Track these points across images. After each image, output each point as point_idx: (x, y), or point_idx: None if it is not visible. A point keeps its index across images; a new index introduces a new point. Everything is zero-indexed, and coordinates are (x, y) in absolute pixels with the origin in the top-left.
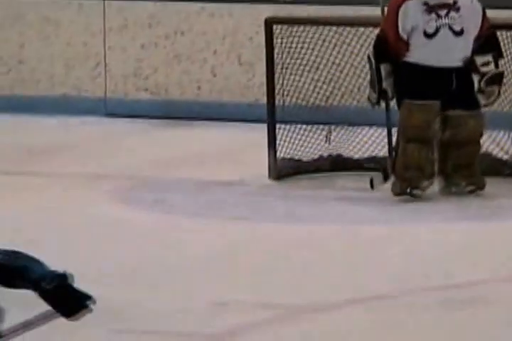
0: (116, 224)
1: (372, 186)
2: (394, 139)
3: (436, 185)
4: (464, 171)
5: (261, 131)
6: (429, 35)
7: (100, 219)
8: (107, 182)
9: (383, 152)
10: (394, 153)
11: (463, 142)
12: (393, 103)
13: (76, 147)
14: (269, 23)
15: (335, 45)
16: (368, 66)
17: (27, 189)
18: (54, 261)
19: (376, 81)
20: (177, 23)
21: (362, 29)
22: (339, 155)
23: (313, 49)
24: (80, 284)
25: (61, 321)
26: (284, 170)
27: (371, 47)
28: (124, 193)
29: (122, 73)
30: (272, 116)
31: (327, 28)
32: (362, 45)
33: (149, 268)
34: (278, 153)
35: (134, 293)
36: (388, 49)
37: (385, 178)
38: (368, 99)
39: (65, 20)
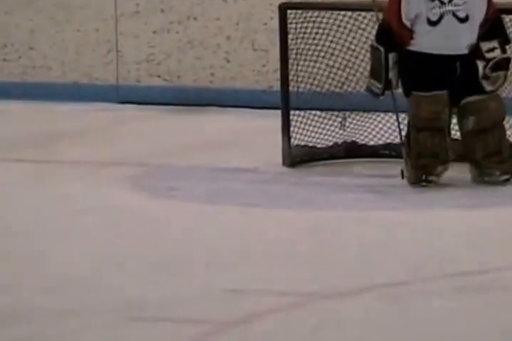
0: (128, 212)
1: (403, 176)
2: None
3: (451, 172)
4: (495, 158)
5: (275, 117)
6: (432, 23)
7: (112, 206)
8: (119, 170)
9: (398, 139)
10: (405, 142)
11: (487, 128)
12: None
13: (88, 134)
14: (284, 8)
15: (350, 30)
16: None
17: (38, 176)
18: (69, 249)
19: (384, 70)
20: (190, 8)
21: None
22: (354, 142)
23: (328, 34)
24: (96, 272)
25: (77, 309)
26: (298, 157)
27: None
28: (136, 180)
29: (134, 59)
30: (286, 103)
31: (342, 13)
32: None
33: (162, 255)
34: (292, 140)
35: (147, 280)
36: (393, 38)
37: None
38: (368, 89)
39: (76, 5)
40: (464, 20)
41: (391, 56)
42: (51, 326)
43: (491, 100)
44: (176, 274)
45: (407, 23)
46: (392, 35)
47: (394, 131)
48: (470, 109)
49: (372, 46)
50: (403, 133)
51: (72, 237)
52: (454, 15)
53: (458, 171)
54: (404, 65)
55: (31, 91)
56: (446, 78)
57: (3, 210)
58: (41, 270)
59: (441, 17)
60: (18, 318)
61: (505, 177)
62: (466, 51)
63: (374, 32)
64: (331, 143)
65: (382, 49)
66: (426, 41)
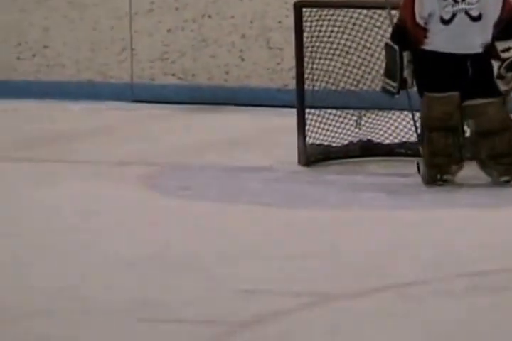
0: (142, 211)
1: (419, 171)
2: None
3: (466, 171)
4: (500, 160)
5: (290, 116)
6: (445, 21)
7: (124, 205)
8: (133, 169)
9: (414, 137)
10: (420, 140)
11: (491, 131)
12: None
13: (101, 133)
14: (299, 7)
15: (365, 28)
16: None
17: (52, 176)
18: (81, 249)
19: (398, 69)
20: (204, 6)
21: (393, 12)
22: (369, 141)
23: (343, 32)
24: (107, 271)
25: (90, 309)
26: (314, 155)
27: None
28: (150, 179)
29: (149, 58)
30: (301, 101)
31: (357, 11)
32: None
33: (174, 255)
34: (307, 139)
35: (159, 280)
36: (408, 37)
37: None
38: (383, 88)
39: (90, 4)
40: (476, 19)
41: (405, 54)
42: (65, 326)
43: (490, 106)
44: (188, 274)
45: (421, 22)
46: (406, 34)
47: (409, 129)
48: (469, 113)
49: (387, 44)
50: (419, 131)
51: (83, 236)
52: (467, 13)
53: (473, 170)
54: (418, 64)
55: (45, 89)
56: (459, 78)
57: (14, 209)
58: (52, 269)
59: (453, 16)
60: (31, 318)
61: (506, 178)
62: (479, 50)
63: (389, 30)
64: (346, 142)
65: (396, 47)
66: (439, 40)
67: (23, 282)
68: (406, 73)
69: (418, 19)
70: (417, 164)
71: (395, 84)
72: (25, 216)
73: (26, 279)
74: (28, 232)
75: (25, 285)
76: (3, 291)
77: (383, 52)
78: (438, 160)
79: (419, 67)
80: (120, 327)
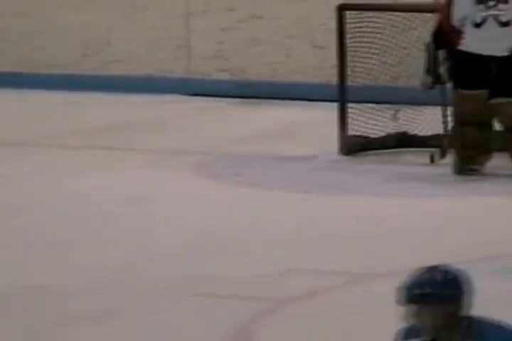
0: (198, 197)
1: (432, 161)
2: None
3: (494, 161)
4: None
5: (332, 110)
6: (476, 25)
7: (179, 192)
8: (187, 157)
9: (443, 130)
10: (450, 133)
11: None
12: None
13: (159, 124)
14: (341, 9)
15: (402, 29)
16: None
17: (112, 163)
18: (143, 230)
19: (434, 65)
20: (255, 8)
21: (428, 15)
22: (404, 133)
23: (381, 33)
24: (168, 250)
25: (147, 288)
26: (353, 146)
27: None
28: (205, 168)
29: (204, 55)
30: (342, 96)
31: (395, 13)
32: (428, 30)
33: (229, 236)
34: (348, 131)
35: (215, 259)
36: (444, 37)
37: (443, 154)
38: (422, 83)
39: (150, 5)
40: (505, 24)
41: (440, 52)
42: (126, 302)
43: (510, 105)
44: (241, 254)
45: (456, 24)
46: (443, 35)
47: (441, 123)
48: (494, 110)
49: (426, 43)
50: (449, 125)
51: (141, 219)
52: (497, 19)
53: (501, 160)
54: (452, 63)
55: (107, 83)
56: (486, 77)
57: (74, 195)
58: (114, 249)
59: (484, 20)
60: (95, 294)
61: None
62: (505, 53)
63: (424, 32)
64: (383, 134)
65: (433, 46)
66: (470, 41)
67: (87, 260)
68: (441, 69)
69: (454, 22)
70: (431, 155)
71: (430, 79)
72: (84, 200)
73: (86, 257)
74: (86, 214)
75: (86, 263)
76: (74, 268)
77: (418, 52)
78: (468, 152)
79: (454, 65)
80: (177, 302)
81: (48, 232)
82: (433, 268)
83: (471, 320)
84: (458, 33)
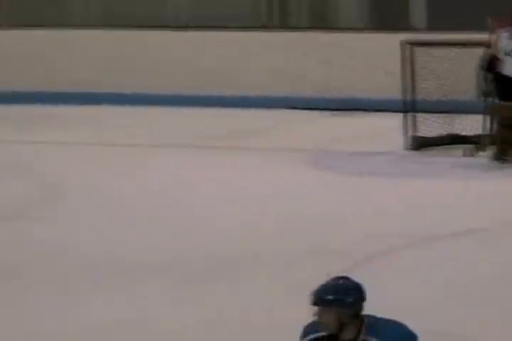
0: (291, 182)
1: (464, 154)
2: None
3: None
4: None
5: (400, 118)
6: (509, 55)
7: (286, 182)
8: (296, 155)
9: (485, 132)
10: (491, 132)
11: None
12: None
13: (270, 131)
14: (405, 45)
15: (462, 61)
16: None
17: (223, 163)
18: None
19: (484, 85)
20: (331, 50)
21: (477, 50)
22: (456, 134)
23: (444, 62)
24: (245, 226)
25: (195, 272)
26: (417, 143)
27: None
28: (305, 162)
29: None
30: (407, 108)
31: (450, 48)
32: (481, 59)
33: (309, 216)
34: (413, 132)
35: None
36: (492, 63)
37: (477, 149)
38: (477, 97)
39: None
40: None
41: (488, 75)
42: (155, 278)
43: None
44: (328, 226)
45: (500, 54)
46: (491, 62)
47: (483, 125)
48: None
49: (478, 67)
50: (489, 127)
51: (235, 209)
52: None
53: None
54: (497, 83)
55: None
56: None
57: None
58: (195, 235)
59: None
60: (122, 271)
61: None
62: None
63: (477, 61)
64: (440, 135)
65: (484, 70)
66: (506, 67)
67: (149, 238)
68: (489, 87)
69: (499, 52)
70: (464, 151)
71: (482, 95)
72: (179, 193)
73: (151, 237)
74: (175, 204)
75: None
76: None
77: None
78: (504, 146)
79: (497, 85)
80: (215, 287)
81: None
82: (338, 279)
83: (365, 319)
84: (500, 61)
